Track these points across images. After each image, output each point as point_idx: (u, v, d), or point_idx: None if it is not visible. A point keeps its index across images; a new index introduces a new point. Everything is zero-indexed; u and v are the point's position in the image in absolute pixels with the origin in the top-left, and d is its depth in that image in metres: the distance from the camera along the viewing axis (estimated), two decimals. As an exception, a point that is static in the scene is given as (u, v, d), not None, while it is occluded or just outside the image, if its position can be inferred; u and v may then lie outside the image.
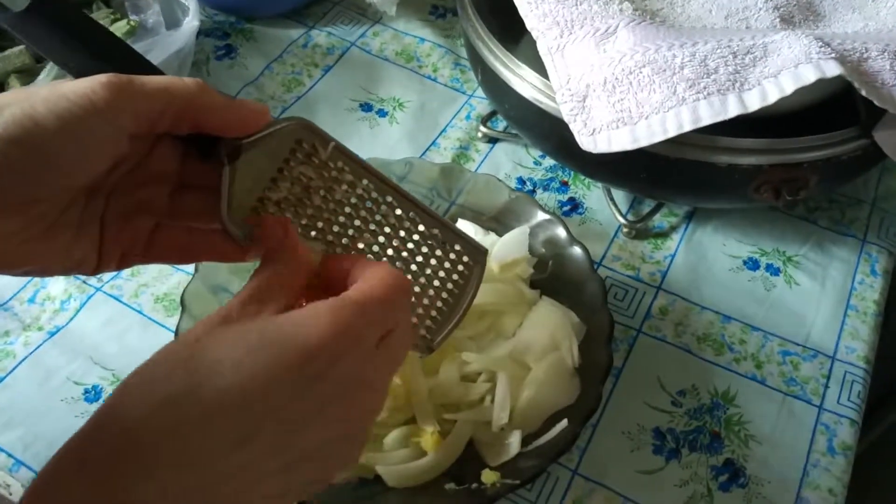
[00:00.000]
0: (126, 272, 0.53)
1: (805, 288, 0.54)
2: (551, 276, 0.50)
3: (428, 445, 0.42)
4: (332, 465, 0.27)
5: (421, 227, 0.33)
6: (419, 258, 0.33)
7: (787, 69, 0.42)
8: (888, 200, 0.60)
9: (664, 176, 0.49)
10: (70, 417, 0.46)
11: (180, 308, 0.45)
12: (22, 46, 0.56)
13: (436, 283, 0.34)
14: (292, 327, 0.25)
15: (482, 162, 0.61)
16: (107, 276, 0.53)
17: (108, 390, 0.48)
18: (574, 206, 0.59)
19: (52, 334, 0.50)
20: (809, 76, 0.41)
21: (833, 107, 0.47)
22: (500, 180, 0.53)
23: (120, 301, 0.52)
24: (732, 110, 0.42)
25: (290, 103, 0.64)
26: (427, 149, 0.62)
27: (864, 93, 0.43)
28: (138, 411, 0.23)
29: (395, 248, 0.33)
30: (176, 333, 0.44)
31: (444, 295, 0.34)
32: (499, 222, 0.52)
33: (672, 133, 0.43)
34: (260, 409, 0.24)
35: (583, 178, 0.60)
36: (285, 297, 0.27)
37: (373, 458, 0.42)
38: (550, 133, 0.50)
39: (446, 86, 0.66)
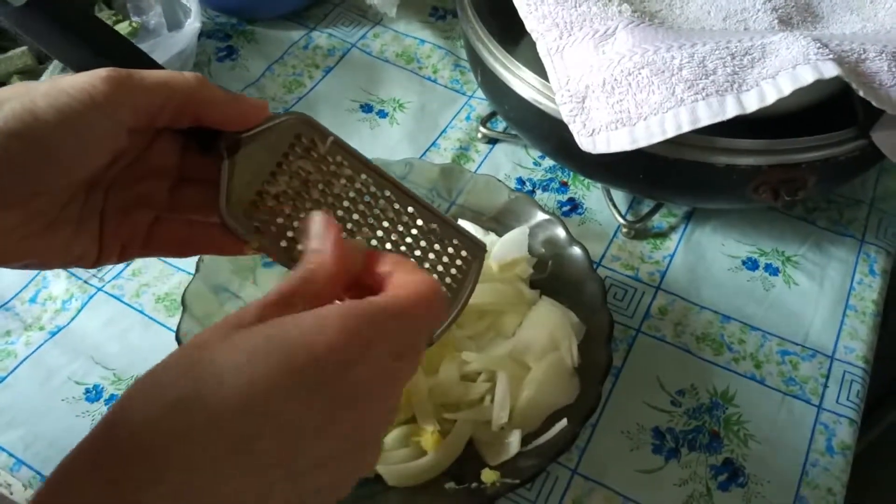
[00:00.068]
0: (127, 272, 0.53)
1: (804, 288, 0.54)
2: (551, 276, 0.50)
3: (428, 445, 0.42)
4: (345, 474, 0.26)
5: (419, 222, 0.33)
6: (417, 252, 0.34)
7: (786, 70, 0.42)
8: (886, 201, 0.60)
9: (663, 176, 0.50)
10: (71, 417, 0.46)
11: (181, 308, 0.45)
12: (24, 47, 0.56)
13: (434, 277, 0.34)
14: (299, 333, 0.24)
15: (482, 162, 0.61)
16: (108, 276, 0.53)
17: (109, 390, 0.48)
18: (573, 206, 0.59)
19: (54, 334, 0.50)
20: (807, 77, 0.42)
21: (831, 108, 0.47)
22: (499, 181, 0.53)
23: (121, 301, 0.52)
24: (731, 111, 0.42)
25: (290, 104, 0.64)
26: (427, 149, 0.62)
27: (861, 93, 0.43)
28: (147, 415, 0.22)
29: (393, 243, 0.33)
30: (177, 333, 0.44)
31: (443, 289, 0.34)
32: (499, 222, 0.52)
33: (671, 134, 0.43)
34: (260, 414, 0.23)
35: (582, 178, 0.60)
36: (325, 294, 0.26)
37: (373, 458, 0.42)
38: (550, 134, 0.50)
39: (446, 87, 0.67)
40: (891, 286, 0.56)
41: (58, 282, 0.53)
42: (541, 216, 0.51)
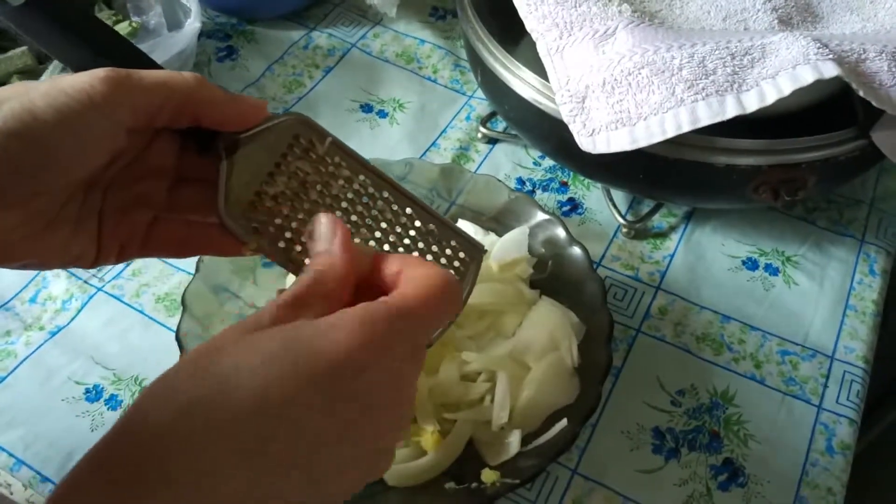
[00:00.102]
0: (127, 272, 0.53)
1: (804, 288, 0.54)
2: (551, 276, 0.50)
3: (428, 445, 0.42)
4: (361, 478, 0.26)
5: (417, 223, 0.33)
6: (415, 254, 0.34)
7: (785, 70, 0.42)
8: (886, 201, 0.60)
9: (663, 176, 0.50)
10: (71, 417, 0.46)
11: (181, 308, 0.45)
12: (24, 48, 0.56)
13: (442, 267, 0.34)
14: (317, 337, 0.24)
15: (482, 162, 0.61)
16: (108, 276, 0.53)
17: (109, 390, 0.48)
18: (573, 206, 0.59)
19: (54, 334, 0.50)
20: (807, 77, 0.42)
21: (831, 108, 0.47)
22: (499, 181, 0.53)
23: (121, 301, 0.52)
24: (731, 111, 0.42)
25: (290, 104, 0.64)
26: (427, 149, 0.62)
27: (861, 93, 0.43)
28: (160, 418, 0.22)
29: (391, 244, 0.33)
30: (177, 333, 0.44)
31: (454, 275, 0.34)
32: (498, 222, 0.52)
33: (671, 134, 0.43)
34: (274, 416, 0.23)
35: (582, 178, 0.60)
36: (331, 305, 0.26)
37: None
38: (550, 134, 0.50)
39: (446, 87, 0.67)
40: (891, 286, 0.56)
41: (58, 282, 0.53)
42: (541, 216, 0.51)
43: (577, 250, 0.49)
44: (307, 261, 0.29)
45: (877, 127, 0.46)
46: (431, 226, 0.34)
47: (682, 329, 0.52)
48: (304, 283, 0.26)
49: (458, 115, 0.64)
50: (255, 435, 0.23)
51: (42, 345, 0.50)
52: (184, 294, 0.46)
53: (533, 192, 0.59)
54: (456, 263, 0.34)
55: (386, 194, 0.33)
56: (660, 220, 0.58)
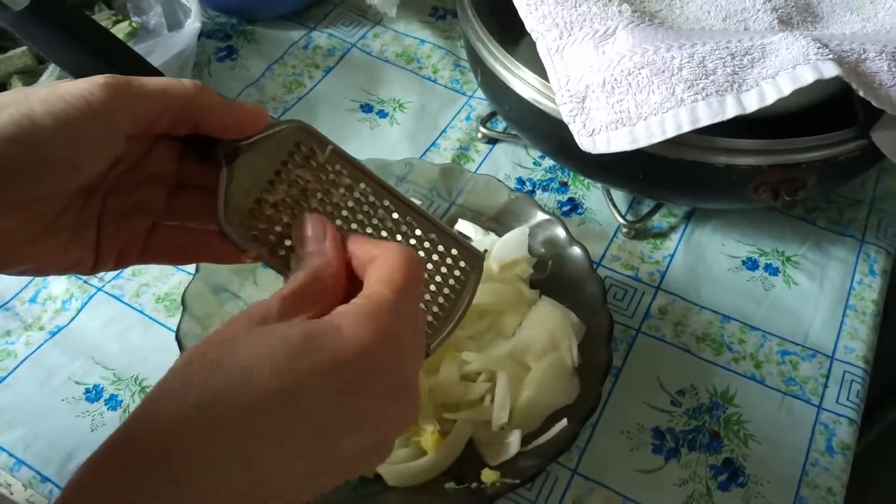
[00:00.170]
0: (127, 272, 0.53)
1: (804, 288, 0.54)
2: (551, 276, 0.50)
3: (428, 445, 0.42)
4: (361, 468, 0.27)
5: (418, 232, 0.33)
6: None
7: (785, 70, 0.42)
8: (886, 201, 0.60)
9: (663, 176, 0.50)
10: (71, 417, 0.46)
11: (181, 308, 0.45)
12: (24, 48, 0.56)
13: (432, 287, 0.34)
14: (332, 335, 0.24)
15: (482, 162, 0.61)
16: (108, 276, 0.53)
17: (109, 390, 0.48)
18: (573, 206, 0.59)
19: (54, 334, 0.50)
20: (807, 77, 0.42)
21: (831, 108, 0.47)
22: (499, 181, 0.53)
23: (121, 301, 0.52)
24: (731, 111, 0.42)
25: (290, 104, 0.64)
26: (427, 149, 0.62)
27: (861, 93, 0.43)
28: (172, 415, 0.22)
29: None
30: (177, 333, 0.44)
31: (441, 300, 0.34)
32: (498, 222, 0.52)
33: (671, 134, 0.43)
34: (297, 415, 0.23)
35: (582, 178, 0.60)
36: (329, 302, 0.27)
37: (373, 458, 0.42)
38: (550, 134, 0.50)
39: (446, 87, 0.67)
40: (891, 286, 0.56)
41: (58, 282, 0.53)
42: (541, 216, 0.51)
43: (577, 250, 0.49)
44: (295, 260, 0.30)
45: (877, 127, 0.46)
46: (432, 234, 0.34)
47: (682, 329, 0.52)
48: (303, 280, 0.27)
49: (458, 115, 0.64)
50: (275, 431, 0.23)
51: (42, 345, 0.50)
52: (184, 294, 0.46)
53: (533, 192, 0.59)
54: (456, 272, 0.34)
55: (386, 203, 0.33)
56: (660, 220, 0.58)
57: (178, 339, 0.43)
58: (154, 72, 0.30)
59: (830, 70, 0.41)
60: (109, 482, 0.22)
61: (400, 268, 0.27)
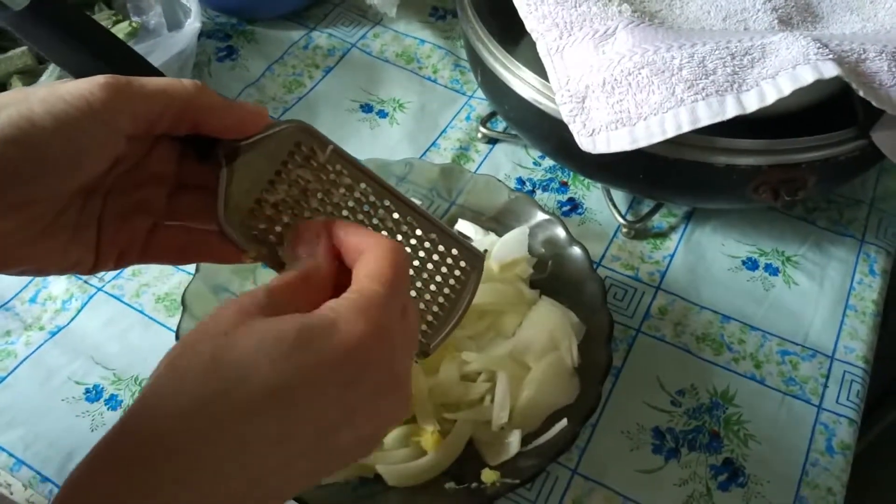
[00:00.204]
0: (127, 272, 0.53)
1: (804, 288, 0.54)
2: (551, 276, 0.50)
3: (428, 445, 0.42)
4: (351, 460, 0.28)
5: (418, 232, 0.33)
6: (416, 262, 0.34)
7: (785, 70, 0.42)
8: (886, 201, 0.60)
9: (663, 176, 0.50)
10: (71, 417, 0.46)
11: (181, 308, 0.45)
12: (24, 47, 0.56)
13: (432, 287, 0.34)
14: (327, 330, 0.25)
15: (482, 162, 0.61)
16: (108, 276, 0.53)
17: (109, 390, 0.48)
18: (573, 206, 0.59)
19: (54, 334, 0.50)
20: (807, 77, 0.42)
21: (831, 108, 0.47)
22: (499, 181, 0.53)
23: (121, 301, 0.52)
24: (731, 111, 0.42)
25: (290, 104, 0.64)
26: (427, 149, 0.62)
27: (861, 93, 0.43)
28: (169, 413, 0.22)
29: None
30: (177, 333, 0.44)
31: (441, 299, 0.34)
32: (498, 222, 0.52)
33: (671, 134, 0.43)
34: (296, 413, 0.24)
35: (582, 178, 0.60)
36: (319, 298, 0.27)
37: (373, 458, 0.42)
38: (550, 134, 0.50)
39: (446, 87, 0.67)
40: (891, 286, 0.56)
41: (58, 282, 0.53)
42: (541, 216, 0.51)
43: (577, 250, 0.49)
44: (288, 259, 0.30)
45: (877, 127, 0.46)
46: (433, 234, 0.34)
47: (682, 329, 0.52)
48: (294, 277, 0.27)
49: (458, 115, 0.64)
50: (276, 429, 0.23)
51: (42, 345, 0.50)
52: (184, 294, 0.46)
53: (533, 192, 0.59)
54: (457, 272, 0.34)
55: (387, 203, 0.33)
56: (660, 220, 0.58)
57: (178, 339, 0.43)
58: (154, 72, 0.30)
59: (830, 70, 0.41)
60: (105, 482, 0.22)
61: (389, 262, 0.27)
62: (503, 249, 0.49)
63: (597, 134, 0.45)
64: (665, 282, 0.54)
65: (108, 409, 0.47)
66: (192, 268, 0.47)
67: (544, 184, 0.60)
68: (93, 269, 0.31)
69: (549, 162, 0.61)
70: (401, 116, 0.64)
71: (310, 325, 0.25)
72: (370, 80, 0.67)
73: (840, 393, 0.49)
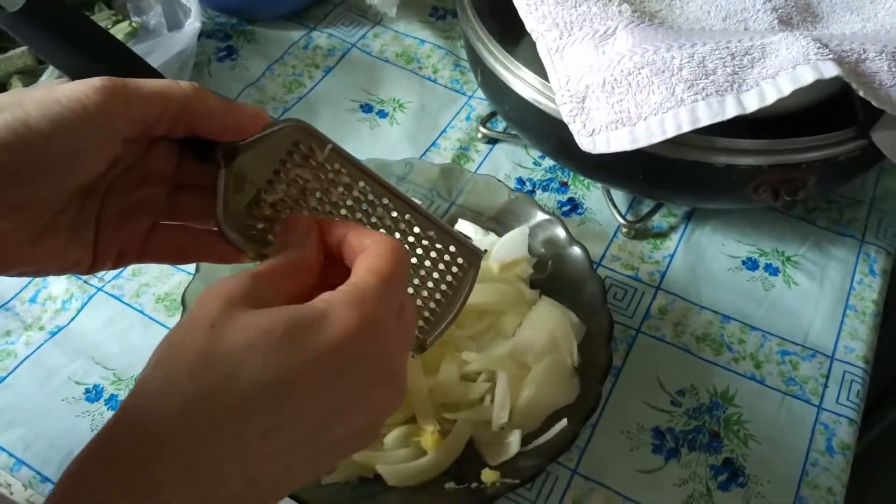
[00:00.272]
0: (127, 272, 0.53)
1: (804, 288, 0.54)
2: (551, 276, 0.50)
3: (428, 445, 0.42)
4: (346, 454, 0.28)
5: (416, 229, 0.33)
6: (414, 259, 0.34)
7: (785, 70, 0.42)
8: (886, 201, 0.60)
9: (663, 176, 0.50)
10: (71, 417, 0.46)
11: (181, 308, 0.45)
12: (24, 47, 0.56)
13: (430, 283, 0.34)
14: (318, 322, 0.25)
15: (482, 162, 0.61)
16: (108, 276, 0.53)
17: (109, 390, 0.48)
18: (573, 206, 0.59)
19: (54, 334, 0.50)
20: (807, 77, 0.42)
21: (831, 108, 0.47)
22: (499, 181, 0.53)
23: (121, 301, 0.52)
24: (731, 111, 0.42)
25: (290, 104, 0.64)
26: (427, 149, 0.62)
27: (861, 93, 0.43)
28: (162, 411, 0.22)
29: None
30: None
31: (438, 296, 0.34)
32: (498, 222, 0.52)
33: (671, 134, 0.43)
34: (289, 403, 0.24)
35: (582, 178, 0.60)
36: (306, 285, 0.27)
37: (373, 458, 0.42)
38: (550, 134, 0.50)
39: (446, 87, 0.67)
40: (891, 286, 0.56)
41: (58, 282, 0.53)
42: (541, 216, 0.51)
43: (577, 250, 0.49)
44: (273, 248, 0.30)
45: (877, 127, 0.46)
46: (431, 232, 0.34)
47: (682, 329, 0.52)
48: (278, 263, 0.28)
49: (458, 115, 0.64)
50: (269, 422, 0.23)
51: (42, 345, 0.50)
52: (184, 294, 0.46)
53: (533, 192, 0.59)
54: (454, 269, 0.34)
55: (385, 200, 0.33)
56: (660, 220, 0.58)
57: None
58: (153, 73, 0.30)
59: (830, 70, 0.41)
60: (98, 479, 0.22)
61: (386, 257, 0.27)
62: (503, 249, 0.49)
63: (597, 134, 0.45)
64: (665, 282, 0.54)
65: (108, 409, 0.47)
66: (192, 268, 0.47)
67: (544, 184, 0.60)
68: (91, 269, 0.31)
69: (549, 162, 0.61)
70: (401, 116, 0.64)
71: (300, 316, 0.25)
72: (370, 80, 0.67)
73: (840, 393, 0.49)
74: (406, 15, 0.71)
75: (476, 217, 0.53)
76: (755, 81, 0.43)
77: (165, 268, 0.54)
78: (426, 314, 0.34)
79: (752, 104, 0.42)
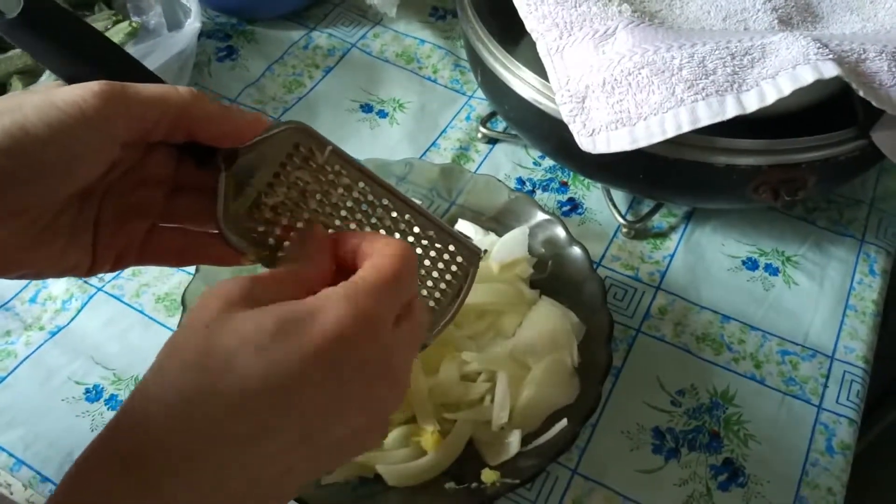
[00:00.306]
0: (127, 272, 0.53)
1: (804, 288, 0.54)
2: (551, 276, 0.50)
3: (428, 445, 0.42)
4: (352, 453, 0.27)
5: (416, 229, 0.34)
6: None
7: (785, 70, 0.42)
8: (886, 201, 0.60)
9: (663, 176, 0.50)
10: (71, 417, 0.46)
11: (181, 308, 0.45)
12: (24, 48, 0.56)
13: (429, 282, 0.34)
14: (310, 316, 0.25)
15: (482, 162, 0.61)
16: (108, 276, 0.53)
17: (109, 390, 0.48)
18: (573, 206, 0.59)
19: (54, 334, 0.50)
20: (807, 77, 0.42)
21: (831, 108, 0.47)
22: (499, 181, 0.53)
23: (121, 301, 0.52)
24: (731, 111, 0.42)
25: (290, 104, 0.64)
26: (427, 149, 0.62)
27: (861, 93, 0.43)
28: (162, 412, 0.23)
29: None
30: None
31: (437, 294, 0.34)
32: (498, 222, 0.52)
33: (671, 134, 0.43)
34: (285, 399, 0.24)
35: (582, 178, 0.60)
36: (308, 294, 0.27)
37: (373, 458, 0.42)
38: (550, 134, 0.50)
39: (446, 87, 0.67)
40: (891, 286, 0.56)
41: (58, 282, 0.53)
42: (541, 216, 0.51)
43: (577, 250, 0.49)
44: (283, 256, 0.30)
45: (877, 127, 0.46)
46: (430, 232, 0.34)
47: (682, 329, 0.52)
48: (282, 272, 0.28)
49: (458, 115, 0.64)
50: (263, 421, 0.23)
51: (42, 345, 0.50)
52: (184, 294, 0.46)
53: (533, 192, 0.59)
54: (454, 268, 0.35)
55: (385, 201, 0.33)
56: (660, 220, 0.58)
57: (178, 339, 0.43)
58: (151, 77, 0.30)
59: (830, 70, 0.41)
60: (98, 481, 0.22)
61: (391, 256, 0.27)
62: (503, 249, 0.49)
63: (597, 134, 0.45)
64: (665, 282, 0.54)
65: (108, 409, 0.47)
66: (192, 268, 0.47)
67: (544, 184, 0.60)
68: (90, 272, 0.31)
69: (549, 162, 0.61)
70: (401, 116, 0.64)
71: (291, 311, 0.25)
72: (370, 80, 0.67)
73: (840, 393, 0.49)
74: (406, 15, 0.71)
75: (476, 217, 0.53)
76: (755, 81, 0.43)
77: (165, 268, 0.54)
78: None
79: (752, 104, 0.42)
